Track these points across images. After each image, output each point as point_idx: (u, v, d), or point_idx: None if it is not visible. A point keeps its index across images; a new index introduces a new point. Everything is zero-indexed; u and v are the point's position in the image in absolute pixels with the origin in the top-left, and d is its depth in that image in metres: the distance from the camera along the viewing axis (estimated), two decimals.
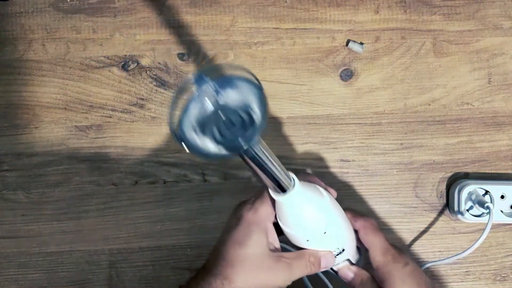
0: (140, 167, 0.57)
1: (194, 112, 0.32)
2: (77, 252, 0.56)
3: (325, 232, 0.39)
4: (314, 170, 0.57)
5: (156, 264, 0.57)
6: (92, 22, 0.58)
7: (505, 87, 0.57)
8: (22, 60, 0.58)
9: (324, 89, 0.57)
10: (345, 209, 0.43)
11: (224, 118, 0.30)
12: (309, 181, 0.41)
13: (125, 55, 0.58)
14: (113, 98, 0.57)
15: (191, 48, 0.58)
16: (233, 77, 0.32)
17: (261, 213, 0.38)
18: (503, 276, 0.56)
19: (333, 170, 0.57)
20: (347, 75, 0.57)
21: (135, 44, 0.58)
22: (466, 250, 0.51)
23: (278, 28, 0.58)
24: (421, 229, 0.57)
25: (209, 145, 0.32)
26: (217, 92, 0.32)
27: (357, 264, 0.45)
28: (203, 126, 0.32)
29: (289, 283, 0.40)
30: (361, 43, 0.57)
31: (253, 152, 0.32)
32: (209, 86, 0.31)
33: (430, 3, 0.58)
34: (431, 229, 0.57)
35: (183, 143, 0.31)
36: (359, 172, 0.57)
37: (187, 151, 0.31)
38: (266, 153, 0.33)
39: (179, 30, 0.58)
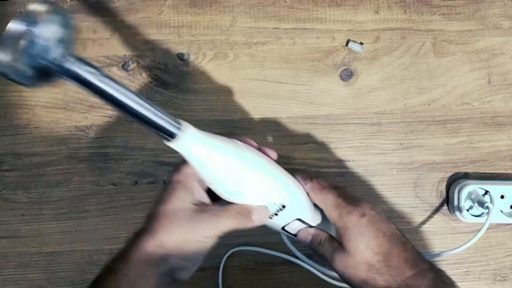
0: (140, 167, 0.57)
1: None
2: (77, 252, 0.56)
3: (244, 184, 0.38)
4: (314, 170, 0.57)
5: None
6: (92, 22, 0.58)
7: (505, 87, 0.57)
8: None
9: (324, 89, 0.57)
10: (295, 173, 0.43)
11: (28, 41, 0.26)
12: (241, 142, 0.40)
13: (125, 55, 0.58)
14: None
15: (191, 48, 0.58)
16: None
17: (183, 171, 0.40)
18: (503, 276, 0.56)
19: (333, 170, 0.57)
20: (347, 75, 0.57)
21: (135, 44, 0.58)
22: (459, 246, 0.51)
23: (278, 28, 0.58)
24: (421, 229, 0.57)
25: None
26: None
27: (319, 226, 0.45)
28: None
29: (218, 233, 0.39)
30: (361, 43, 0.57)
31: (75, 71, 0.28)
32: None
33: (430, 3, 0.58)
34: (431, 229, 0.57)
35: None
36: (359, 172, 0.57)
37: None
38: (110, 82, 0.30)
39: (179, 30, 0.58)
